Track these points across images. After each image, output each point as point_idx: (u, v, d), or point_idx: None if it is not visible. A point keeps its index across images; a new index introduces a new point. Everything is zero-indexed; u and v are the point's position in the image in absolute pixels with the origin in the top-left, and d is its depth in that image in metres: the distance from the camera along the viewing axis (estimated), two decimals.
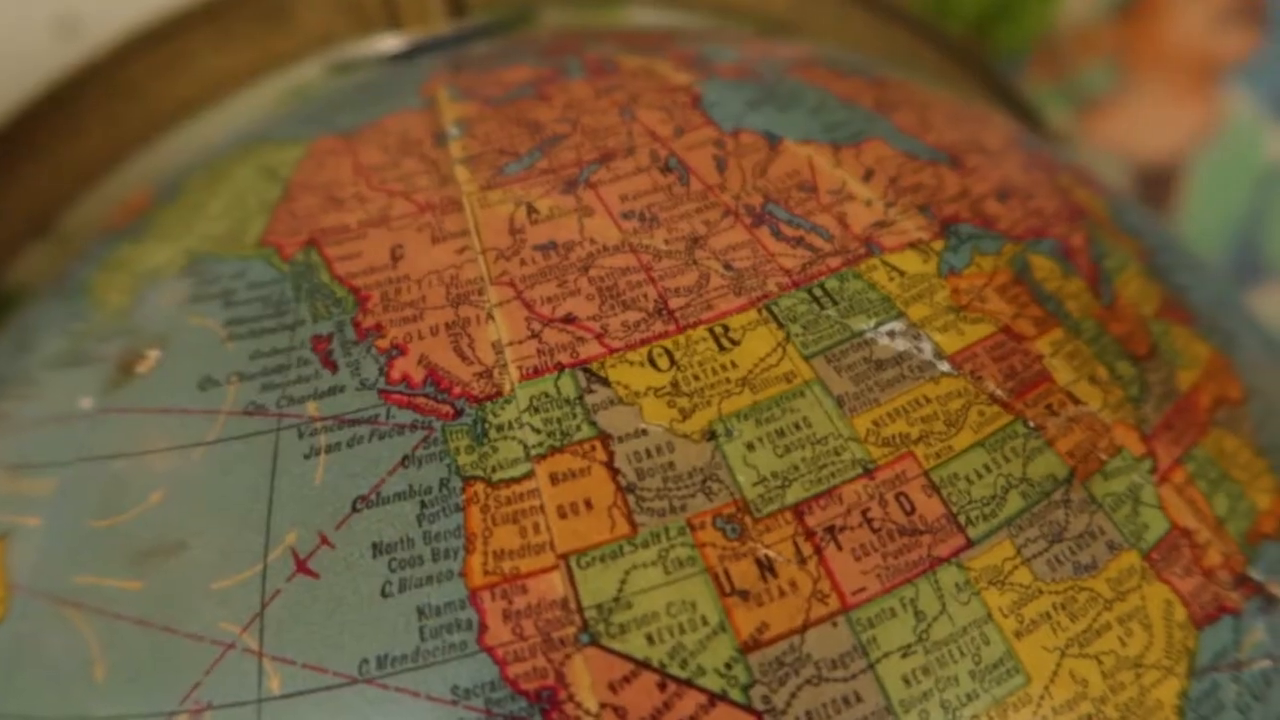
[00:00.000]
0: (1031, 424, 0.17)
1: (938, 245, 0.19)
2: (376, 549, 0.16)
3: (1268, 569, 0.18)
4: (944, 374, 0.17)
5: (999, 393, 0.18)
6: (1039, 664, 0.15)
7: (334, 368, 0.17)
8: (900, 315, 0.18)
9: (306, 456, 0.17)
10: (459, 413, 0.16)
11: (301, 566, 0.16)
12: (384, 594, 0.15)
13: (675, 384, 0.17)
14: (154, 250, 0.22)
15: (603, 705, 0.14)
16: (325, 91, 0.26)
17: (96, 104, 0.26)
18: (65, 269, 0.24)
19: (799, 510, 0.16)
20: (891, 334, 0.18)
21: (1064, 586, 0.16)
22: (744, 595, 0.15)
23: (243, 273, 0.19)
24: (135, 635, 0.16)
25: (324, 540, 0.16)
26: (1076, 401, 0.18)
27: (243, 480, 0.17)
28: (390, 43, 0.28)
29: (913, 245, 0.19)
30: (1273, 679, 0.17)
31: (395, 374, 0.17)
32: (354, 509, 0.16)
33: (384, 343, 0.17)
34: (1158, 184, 0.54)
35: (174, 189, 0.24)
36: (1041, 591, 0.16)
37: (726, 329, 0.17)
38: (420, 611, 0.15)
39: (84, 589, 0.17)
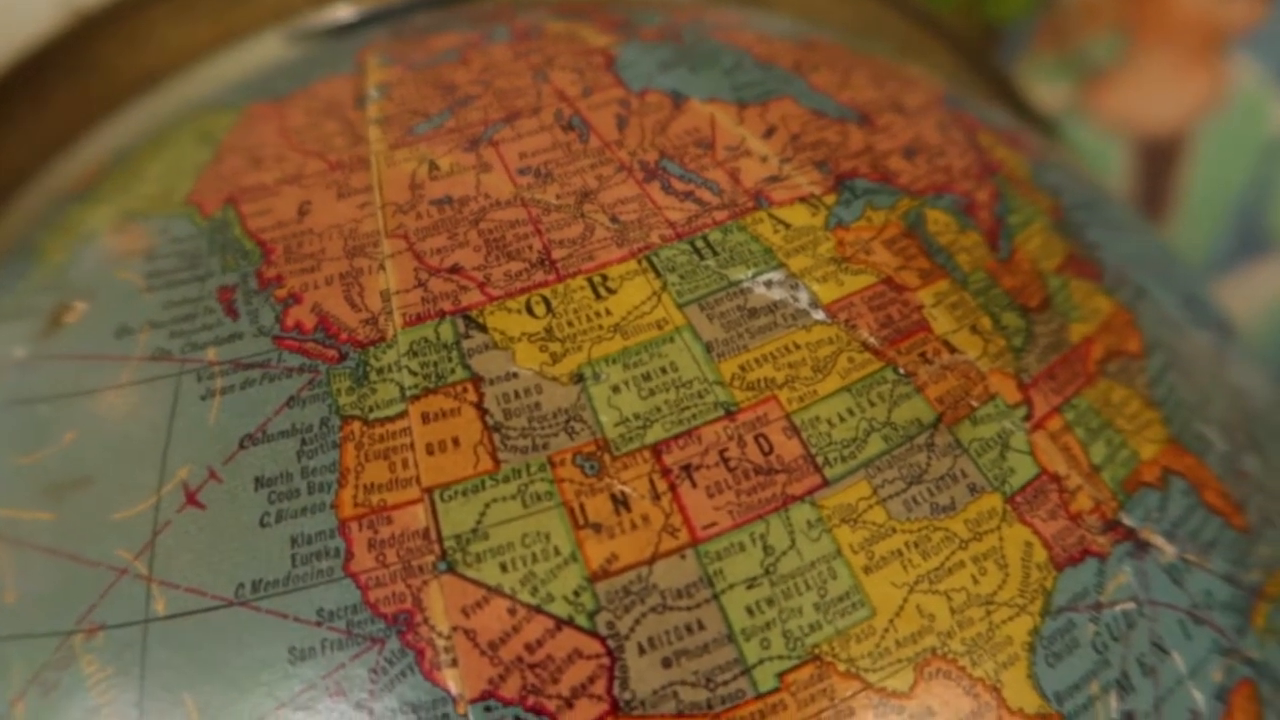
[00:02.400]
0: (902, 371, 0.18)
1: (829, 199, 0.20)
2: (258, 482, 0.17)
3: (1144, 516, 0.18)
4: (817, 322, 0.18)
5: (872, 340, 0.18)
6: (885, 598, 0.16)
7: (235, 315, 0.18)
8: (780, 266, 0.18)
9: (203, 398, 0.18)
10: (344, 357, 0.17)
11: (191, 499, 0.17)
12: (262, 524, 0.16)
13: (549, 330, 0.17)
14: (95, 211, 0.23)
15: (454, 628, 0.15)
16: (275, 62, 0.27)
17: (61, 78, 0.27)
18: (26, 233, 0.25)
19: (657, 449, 0.16)
20: (769, 284, 0.18)
21: (919, 526, 0.17)
22: (596, 528, 0.16)
23: (166, 229, 0.21)
24: (44, 563, 0.17)
25: (212, 475, 0.17)
26: (953, 350, 0.18)
27: (145, 420, 0.18)
28: (344, 13, 0.29)
29: (803, 199, 0.19)
30: (1136, 621, 0.17)
31: (290, 321, 0.18)
32: (241, 446, 0.17)
33: (282, 292, 0.18)
34: (1161, 156, 0.54)
35: (123, 156, 0.25)
36: (895, 530, 0.16)
37: (605, 278, 0.18)
38: (294, 540, 0.16)
39: (4, 520, 0.18)
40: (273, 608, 0.16)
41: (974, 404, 0.18)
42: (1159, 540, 0.18)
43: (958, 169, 0.22)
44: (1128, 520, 0.18)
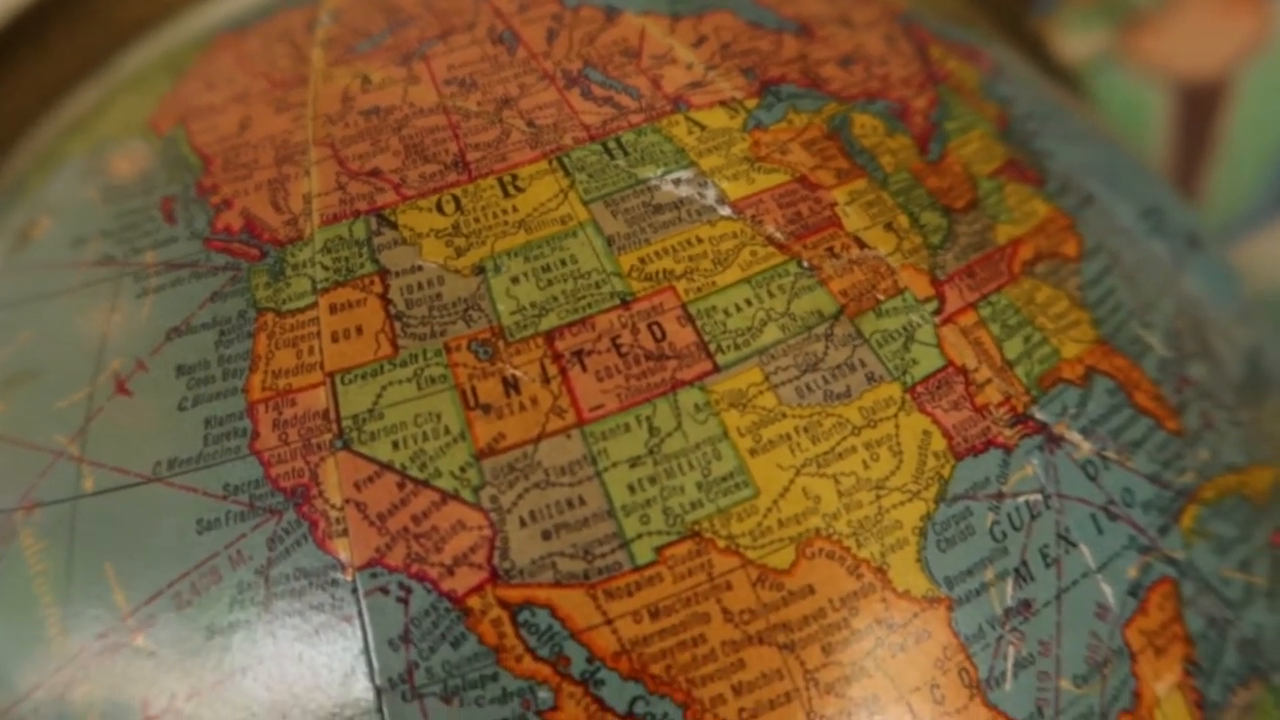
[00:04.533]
0: (806, 264, 0.18)
1: (750, 103, 0.20)
2: (179, 370, 0.17)
3: (1060, 412, 0.18)
4: (722, 218, 0.18)
5: (777, 235, 0.18)
6: (770, 480, 0.16)
7: (173, 221, 0.19)
8: (691, 165, 0.19)
9: (138, 296, 0.19)
10: (264, 255, 0.18)
11: (120, 387, 0.18)
12: (180, 408, 0.17)
13: (456, 226, 0.18)
14: (73, 142, 0.24)
15: (346, 500, 0.16)
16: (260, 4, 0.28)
17: (61, 27, 0.29)
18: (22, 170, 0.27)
19: (551, 336, 0.17)
20: (676, 181, 0.18)
21: (810, 412, 0.17)
22: (486, 409, 0.16)
23: (126, 150, 0.22)
24: None
25: (140, 365, 0.18)
26: (863, 246, 0.18)
27: (88, 319, 0.19)
28: None
29: (723, 103, 0.20)
30: (1041, 513, 0.17)
31: (220, 224, 0.19)
32: (167, 338, 0.18)
33: (216, 199, 0.19)
34: (1202, 102, 0.52)
35: (108, 93, 0.26)
36: (785, 415, 0.17)
37: (515, 178, 0.18)
38: (207, 422, 0.17)
39: None
40: (185, 483, 0.17)
41: (880, 297, 0.18)
42: (1074, 436, 0.18)
43: (897, 78, 0.21)
44: (1040, 415, 0.18)
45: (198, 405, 0.17)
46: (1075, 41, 0.52)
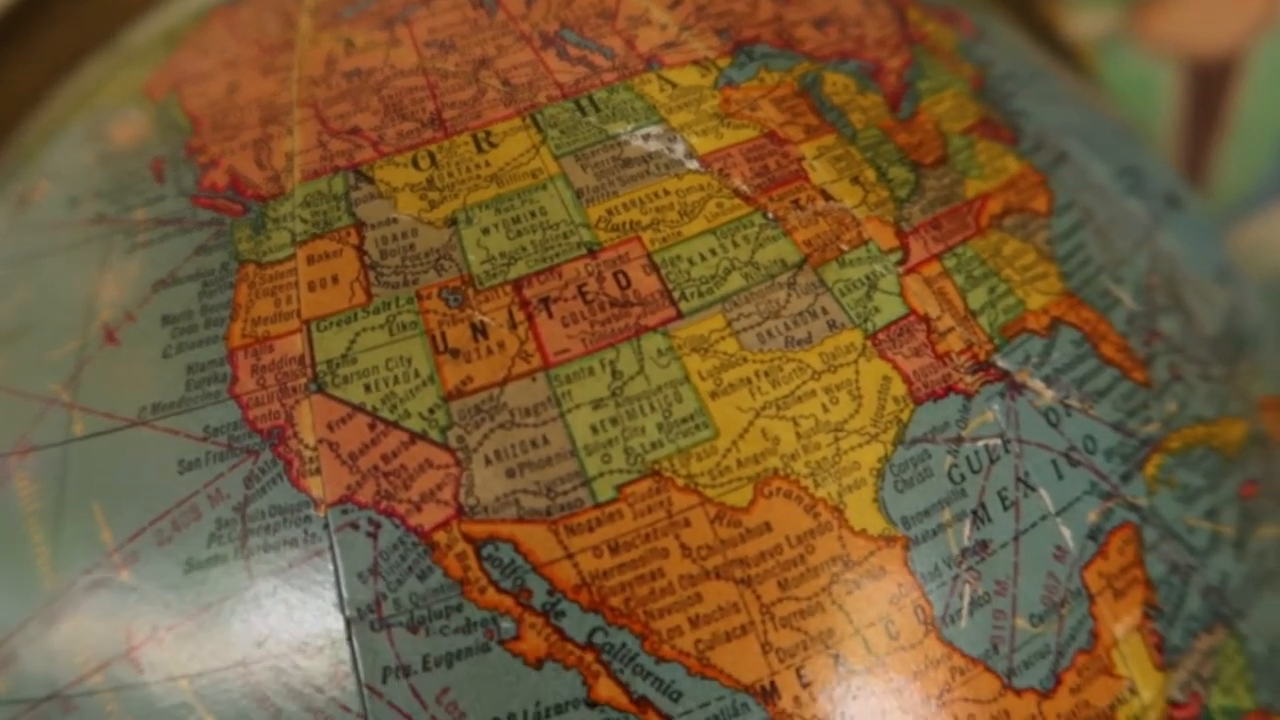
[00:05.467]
0: (771, 215, 0.18)
1: (723, 62, 0.20)
2: (165, 320, 0.18)
3: (1022, 360, 0.18)
4: (690, 171, 0.18)
5: (743, 188, 0.18)
6: (730, 421, 0.16)
7: (163, 181, 0.20)
8: (661, 121, 0.19)
9: (128, 252, 0.19)
10: (247, 210, 0.19)
11: (109, 337, 0.18)
12: (165, 355, 0.18)
13: (430, 181, 0.18)
14: (77, 112, 0.25)
15: (320, 440, 0.16)
16: None
17: (68, 4, 0.30)
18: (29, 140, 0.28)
19: (519, 284, 0.17)
20: (646, 136, 0.19)
21: (770, 357, 0.17)
22: (455, 353, 0.17)
23: (123, 115, 0.22)
24: None
25: (128, 316, 0.18)
26: (829, 198, 0.19)
27: (81, 274, 0.20)
28: None
29: (696, 62, 0.20)
30: (1000, 457, 0.17)
31: (206, 182, 0.19)
32: (154, 290, 0.18)
33: (204, 158, 0.20)
34: (1212, 79, 0.51)
35: (110, 68, 0.27)
36: (746, 360, 0.17)
37: (489, 134, 0.19)
38: (189, 368, 0.17)
39: None
40: (168, 426, 0.17)
41: (844, 248, 0.18)
42: (1037, 384, 0.18)
43: (872, 39, 0.22)
44: (1002, 363, 0.18)
45: (181, 353, 0.18)
46: (1085, 21, 0.52)
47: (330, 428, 0.17)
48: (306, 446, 0.17)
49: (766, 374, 0.17)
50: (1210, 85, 0.52)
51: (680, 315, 0.17)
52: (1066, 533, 0.17)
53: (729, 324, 0.17)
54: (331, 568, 0.16)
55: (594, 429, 0.16)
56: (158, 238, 0.19)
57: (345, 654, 0.16)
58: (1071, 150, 0.22)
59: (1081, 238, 0.20)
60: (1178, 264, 0.22)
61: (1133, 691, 0.17)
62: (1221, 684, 0.19)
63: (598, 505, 0.16)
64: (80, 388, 0.18)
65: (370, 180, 0.19)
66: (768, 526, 0.16)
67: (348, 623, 0.16)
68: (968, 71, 0.22)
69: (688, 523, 0.16)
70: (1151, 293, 0.21)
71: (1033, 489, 0.17)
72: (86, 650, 0.17)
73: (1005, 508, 0.17)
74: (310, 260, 0.18)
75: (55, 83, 0.30)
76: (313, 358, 0.17)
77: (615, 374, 0.17)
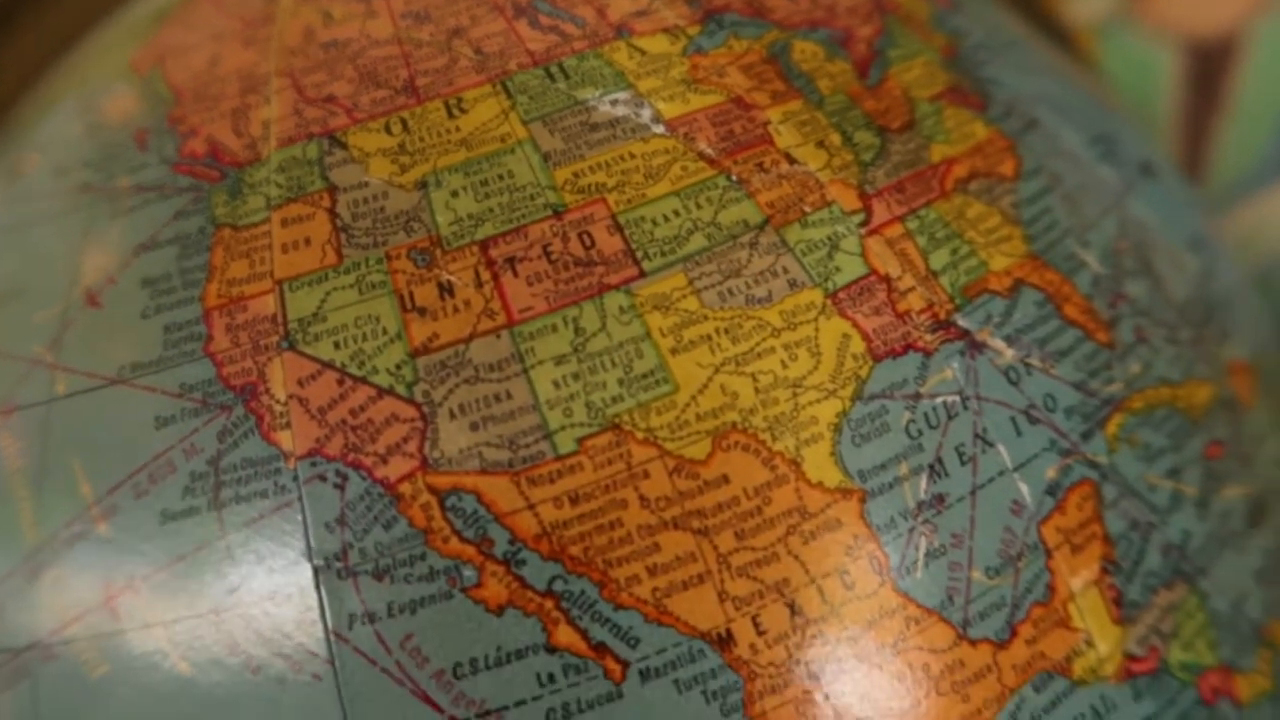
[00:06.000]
0: (735, 178, 0.18)
1: (692, 30, 0.20)
2: (144, 282, 0.19)
3: (983, 320, 0.18)
4: (656, 135, 0.19)
5: (708, 151, 0.19)
6: (690, 377, 0.17)
7: (145, 149, 0.20)
8: (629, 87, 0.19)
9: (111, 218, 0.20)
10: (224, 176, 0.19)
11: (91, 300, 0.19)
12: (143, 316, 0.18)
13: (402, 145, 0.19)
14: (69, 87, 0.25)
15: (290, 396, 0.17)
16: None
17: None
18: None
19: (485, 244, 0.18)
20: (614, 102, 0.19)
21: (731, 314, 0.17)
22: (422, 311, 0.17)
23: (111, 89, 0.23)
24: None
25: (110, 279, 0.19)
26: (793, 162, 0.19)
27: (66, 241, 0.20)
28: None
29: (666, 30, 0.20)
30: (958, 413, 0.18)
31: (186, 150, 0.20)
32: (135, 254, 0.19)
33: (184, 128, 0.20)
34: (1212, 60, 0.51)
35: (102, 44, 0.27)
36: (707, 317, 0.17)
37: (460, 100, 0.19)
38: (166, 328, 0.18)
39: None
40: (145, 384, 0.18)
41: (807, 209, 0.18)
42: (997, 343, 0.18)
43: (843, 7, 0.22)
44: (963, 322, 0.18)
45: (159, 313, 0.18)
46: (1085, 4, 0.52)
47: (300, 384, 0.17)
48: (277, 402, 0.17)
49: (727, 331, 0.17)
50: (1210, 66, 0.52)
51: (643, 274, 0.17)
52: (1024, 488, 0.18)
53: (690, 282, 0.18)
54: (300, 518, 0.16)
55: (556, 384, 0.17)
56: (139, 204, 0.20)
57: (313, 601, 0.16)
58: (1043, 117, 0.22)
59: (1048, 202, 0.21)
60: (1148, 230, 0.22)
61: (1089, 644, 0.18)
62: (1181, 639, 0.19)
63: (559, 458, 0.16)
64: (63, 349, 0.19)
65: (344, 146, 0.19)
66: (725, 479, 0.16)
67: (315, 571, 0.16)
68: (940, 41, 0.23)
69: (646, 474, 0.16)
70: (1119, 257, 0.21)
71: (990, 445, 0.18)
72: (66, 601, 0.17)
73: (962, 463, 0.17)
74: (284, 223, 0.18)
75: (55, 61, 0.31)
76: (285, 316, 0.18)
77: (578, 331, 0.17)
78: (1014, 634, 0.17)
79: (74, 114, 0.23)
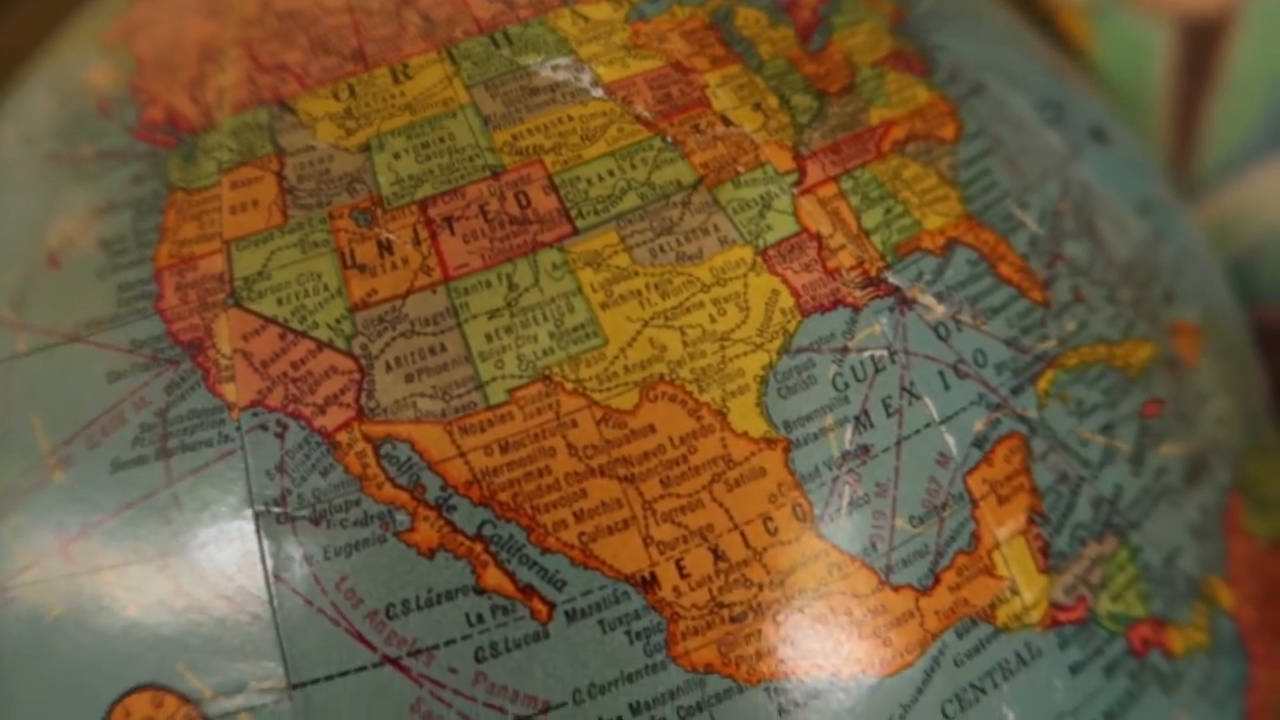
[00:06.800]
0: (670, 139, 0.19)
1: None
2: (102, 244, 0.19)
3: (914, 277, 0.19)
4: (594, 99, 0.19)
5: (645, 114, 0.19)
6: (619, 330, 0.17)
7: (108, 118, 0.21)
8: (570, 53, 0.20)
9: (74, 184, 0.20)
10: (180, 142, 0.20)
11: (52, 261, 0.20)
12: (100, 276, 0.19)
13: (348, 110, 0.19)
14: (43, 65, 0.26)
15: (235, 350, 0.18)
16: None
17: None
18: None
19: (424, 204, 0.18)
20: (555, 67, 0.20)
21: (661, 270, 0.18)
22: (362, 268, 0.18)
23: (82, 62, 0.24)
24: None
25: (70, 242, 0.20)
26: (729, 124, 0.19)
27: (33, 206, 0.21)
28: None
29: None
30: (886, 367, 0.18)
31: (146, 118, 0.21)
32: (94, 217, 0.20)
33: (145, 96, 0.21)
34: (1205, 37, 0.51)
35: (78, 21, 0.28)
36: (637, 273, 0.18)
37: (405, 67, 0.20)
38: (120, 287, 0.19)
39: None
40: (99, 340, 0.18)
41: (740, 170, 0.19)
42: (928, 300, 0.19)
43: None
44: (893, 279, 0.19)
45: (114, 273, 0.19)
46: None
47: (245, 338, 0.18)
48: (223, 356, 0.18)
49: (656, 286, 0.18)
50: (1202, 43, 0.51)
51: (576, 232, 0.18)
52: (950, 440, 0.18)
53: (622, 240, 0.18)
54: (242, 466, 0.17)
55: (489, 337, 0.17)
56: (101, 171, 0.20)
57: (254, 545, 0.17)
58: (989, 83, 0.23)
59: (988, 164, 0.21)
60: (1092, 192, 0.22)
61: (1014, 592, 0.18)
62: (1111, 590, 0.19)
63: (490, 407, 0.17)
64: (25, 308, 0.20)
65: (293, 111, 0.20)
66: (651, 428, 0.17)
67: (256, 516, 0.17)
68: (887, 8, 0.23)
69: (575, 424, 0.17)
70: (1059, 218, 0.21)
71: (917, 398, 0.18)
72: (24, 546, 0.18)
73: (889, 415, 0.18)
74: (234, 186, 0.19)
75: (45, 40, 0.32)
76: (231, 275, 0.18)
77: (511, 286, 0.18)
78: (937, 581, 0.18)
79: (44, 87, 0.24)
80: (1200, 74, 0.51)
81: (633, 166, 0.19)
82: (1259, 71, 0.50)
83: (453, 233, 0.18)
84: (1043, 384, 0.19)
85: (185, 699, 0.17)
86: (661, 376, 0.17)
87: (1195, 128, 0.51)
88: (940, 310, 0.19)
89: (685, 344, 0.17)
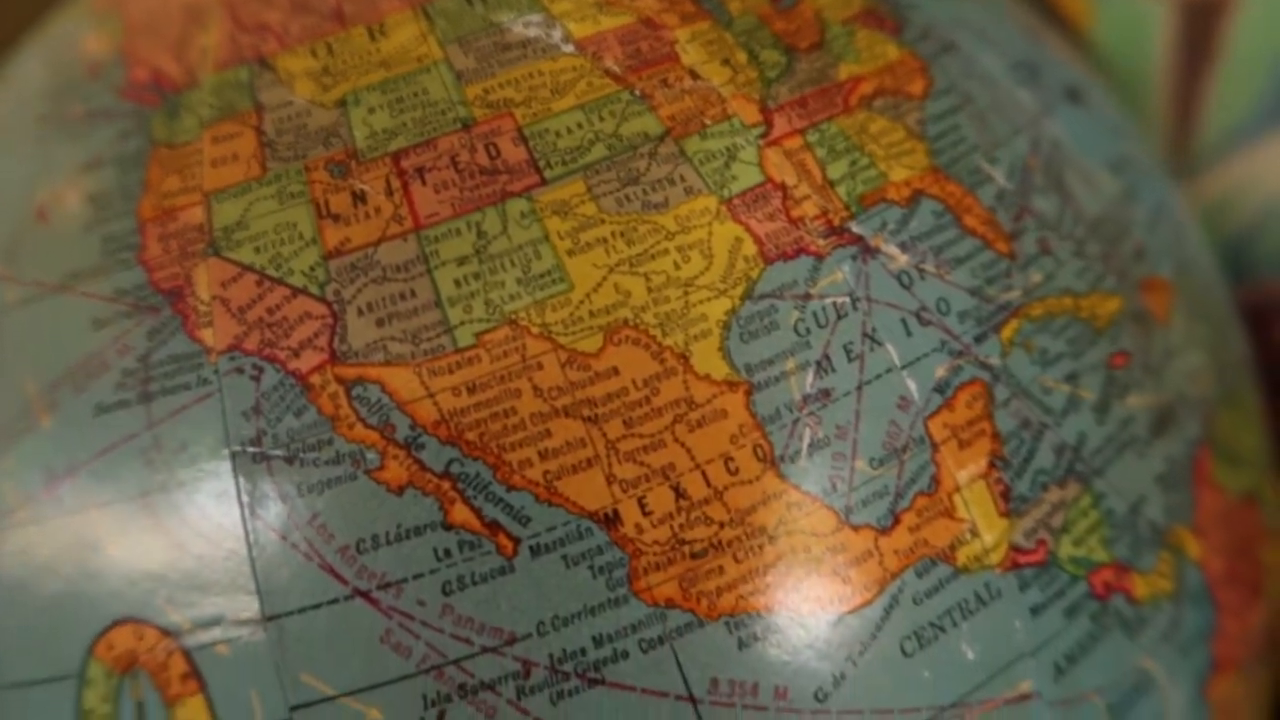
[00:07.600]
0: (638, 92, 0.19)
1: None
2: (89, 198, 0.20)
3: (878, 226, 0.19)
4: (565, 54, 0.20)
5: (614, 68, 0.19)
6: (585, 276, 0.18)
7: (97, 79, 0.22)
8: (543, 10, 0.20)
9: (63, 143, 0.21)
10: (164, 100, 0.20)
11: (41, 216, 0.20)
12: (86, 229, 0.20)
13: (326, 68, 0.20)
14: (38, 37, 0.27)
15: (213, 297, 0.18)
16: None
17: None
18: None
19: (397, 156, 0.19)
20: (527, 24, 0.20)
21: (627, 219, 0.18)
22: (336, 218, 0.18)
23: (75, 32, 0.24)
24: None
25: (58, 198, 0.20)
26: (696, 78, 0.20)
27: (25, 165, 0.21)
28: None
29: None
30: (848, 313, 0.18)
31: (132, 78, 0.21)
32: (81, 173, 0.20)
33: (132, 58, 0.22)
34: (1204, 14, 0.51)
35: None
36: (604, 221, 0.18)
37: (382, 25, 0.20)
38: (105, 239, 0.19)
39: None
40: (85, 290, 0.19)
41: (707, 122, 0.19)
42: (891, 249, 0.19)
43: None
44: (856, 228, 0.19)
45: (99, 225, 0.19)
46: None
47: (223, 286, 0.18)
48: (202, 303, 0.18)
49: (622, 234, 0.18)
50: (1202, 20, 0.51)
51: (544, 182, 0.18)
52: (912, 385, 0.18)
53: (589, 189, 0.18)
54: (220, 408, 0.18)
55: (458, 283, 0.18)
56: (88, 129, 0.21)
57: (230, 484, 0.17)
58: (961, 41, 0.23)
59: (956, 120, 0.21)
60: (1063, 149, 0.23)
61: (974, 534, 0.18)
62: (1072, 535, 0.19)
63: (458, 350, 0.17)
64: (16, 261, 0.20)
65: (272, 69, 0.20)
66: (615, 371, 0.17)
67: (232, 456, 0.17)
68: None
69: (540, 366, 0.17)
70: (1028, 173, 0.21)
71: (879, 344, 0.18)
72: (13, 489, 0.19)
73: (850, 360, 0.18)
74: (215, 140, 0.19)
75: (44, 16, 0.32)
76: (211, 225, 0.19)
77: (480, 234, 0.18)
78: (897, 521, 0.18)
79: (37, 53, 0.25)
80: (1200, 51, 0.51)
81: (601, 119, 0.19)
82: (1259, 48, 0.50)
83: (424, 183, 0.18)
84: (1006, 333, 0.20)
85: (165, 632, 0.17)
86: (626, 321, 0.18)
87: (1195, 105, 0.50)
88: (903, 259, 0.19)
89: (650, 290, 0.18)
